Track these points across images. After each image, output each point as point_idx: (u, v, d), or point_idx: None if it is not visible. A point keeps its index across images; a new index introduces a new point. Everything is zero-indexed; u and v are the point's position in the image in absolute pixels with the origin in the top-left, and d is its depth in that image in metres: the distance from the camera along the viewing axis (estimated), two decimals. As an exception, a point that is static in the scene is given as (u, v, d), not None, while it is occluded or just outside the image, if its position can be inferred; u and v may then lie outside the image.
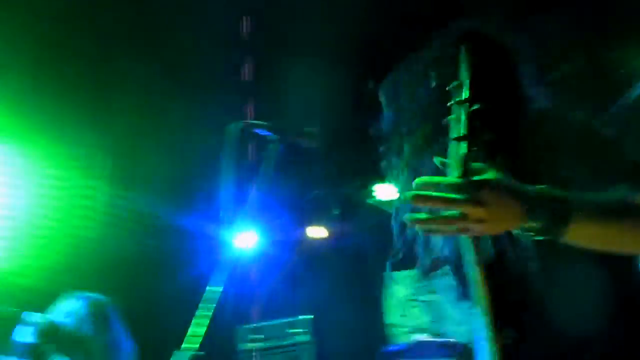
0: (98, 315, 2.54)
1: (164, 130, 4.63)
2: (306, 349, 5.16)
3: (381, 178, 1.92)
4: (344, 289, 5.66)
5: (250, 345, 5.34)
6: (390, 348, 4.48)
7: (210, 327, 1.68)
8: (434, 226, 1.14)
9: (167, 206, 4.79)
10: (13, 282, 3.94)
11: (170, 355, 1.67)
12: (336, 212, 5.91)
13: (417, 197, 1.11)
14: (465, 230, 1.12)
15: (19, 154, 4.19)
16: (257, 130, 1.81)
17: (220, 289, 1.70)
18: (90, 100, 4.44)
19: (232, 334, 5.29)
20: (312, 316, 5.31)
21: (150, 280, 4.70)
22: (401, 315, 5.32)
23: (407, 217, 1.14)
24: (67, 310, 2.52)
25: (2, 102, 3.94)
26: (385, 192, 5.50)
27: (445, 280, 1.51)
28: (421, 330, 4.92)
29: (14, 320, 2.39)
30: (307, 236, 5.94)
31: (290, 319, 5.36)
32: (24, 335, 2.29)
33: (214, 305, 1.69)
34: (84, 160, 4.46)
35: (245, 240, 1.93)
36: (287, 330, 5.30)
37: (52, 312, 2.52)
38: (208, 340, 1.77)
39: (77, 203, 4.47)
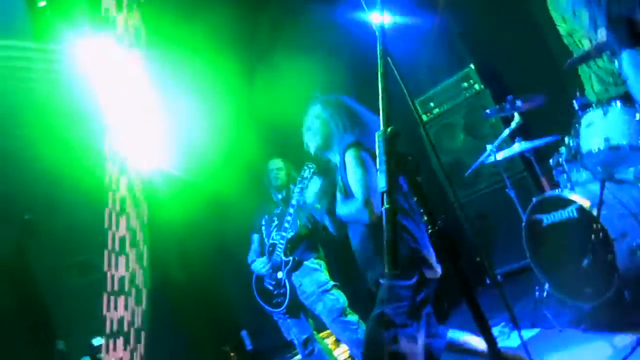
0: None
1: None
2: (481, 96, 5.13)
3: None
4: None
5: (427, 116, 5.47)
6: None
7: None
8: None
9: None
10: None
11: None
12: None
13: None
14: None
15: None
16: None
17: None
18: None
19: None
20: (472, 65, 5.18)
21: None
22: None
23: None
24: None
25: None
26: None
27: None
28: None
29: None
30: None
31: (452, 78, 5.31)
32: None
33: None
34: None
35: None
36: (458, 88, 5.27)
37: None
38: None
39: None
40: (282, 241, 3.96)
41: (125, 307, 4.07)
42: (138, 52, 4.40)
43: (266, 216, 4.17)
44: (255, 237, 4.23)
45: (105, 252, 4.00)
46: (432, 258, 2.57)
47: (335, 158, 2.85)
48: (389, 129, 1.19)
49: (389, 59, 1.33)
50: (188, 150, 4.46)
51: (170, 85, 4.52)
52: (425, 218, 1.18)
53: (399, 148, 1.17)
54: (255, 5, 4.92)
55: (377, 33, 1.38)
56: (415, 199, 1.17)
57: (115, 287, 4.05)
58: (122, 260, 4.13)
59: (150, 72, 4.43)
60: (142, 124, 4.25)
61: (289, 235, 3.95)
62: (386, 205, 1.13)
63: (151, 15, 4.50)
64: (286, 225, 3.94)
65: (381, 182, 1.15)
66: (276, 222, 4.07)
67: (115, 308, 4.02)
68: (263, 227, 4.16)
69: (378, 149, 1.18)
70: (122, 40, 4.34)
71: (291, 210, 3.92)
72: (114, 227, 4.13)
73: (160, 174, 4.35)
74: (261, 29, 4.91)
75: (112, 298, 4.02)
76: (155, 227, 4.42)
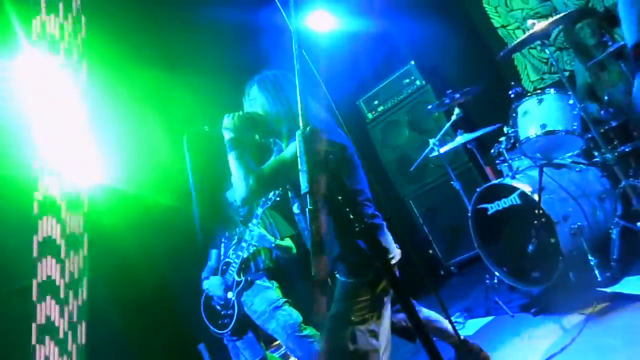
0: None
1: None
2: (423, 92, 5.18)
3: None
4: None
5: (372, 114, 5.50)
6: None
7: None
8: None
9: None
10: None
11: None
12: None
13: None
14: None
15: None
16: None
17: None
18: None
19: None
20: (412, 62, 5.24)
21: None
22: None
23: None
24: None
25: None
26: None
27: None
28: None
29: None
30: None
31: (394, 75, 5.35)
32: None
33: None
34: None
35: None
36: (400, 84, 5.32)
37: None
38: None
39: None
40: (236, 260, 3.82)
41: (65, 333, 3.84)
42: (73, 67, 4.23)
43: (227, 233, 4.05)
44: (214, 252, 4.09)
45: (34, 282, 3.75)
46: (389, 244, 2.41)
47: (284, 142, 2.47)
48: (307, 128, 1.15)
49: (305, 54, 1.29)
50: (134, 163, 4.30)
51: (108, 96, 4.36)
52: (352, 216, 1.14)
53: (319, 146, 1.13)
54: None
55: (293, 34, 1.34)
56: (340, 197, 1.12)
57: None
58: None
59: (86, 85, 4.27)
60: (78, 138, 4.09)
61: (245, 255, 3.83)
62: (309, 207, 1.09)
63: (88, 30, 4.34)
64: (244, 245, 3.82)
65: (303, 183, 1.10)
66: (235, 241, 3.94)
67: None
68: (223, 244, 4.04)
69: (298, 148, 1.14)
70: (56, 54, 4.16)
71: (247, 237, 3.79)
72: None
73: (100, 188, 4.17)
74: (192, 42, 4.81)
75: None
76: (97, 242, 4.24)
